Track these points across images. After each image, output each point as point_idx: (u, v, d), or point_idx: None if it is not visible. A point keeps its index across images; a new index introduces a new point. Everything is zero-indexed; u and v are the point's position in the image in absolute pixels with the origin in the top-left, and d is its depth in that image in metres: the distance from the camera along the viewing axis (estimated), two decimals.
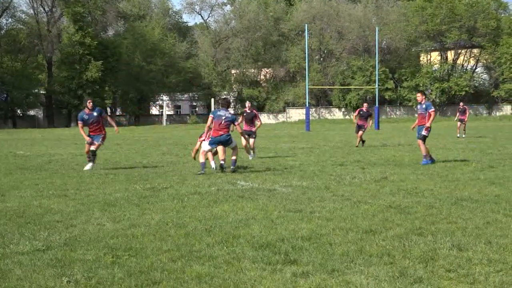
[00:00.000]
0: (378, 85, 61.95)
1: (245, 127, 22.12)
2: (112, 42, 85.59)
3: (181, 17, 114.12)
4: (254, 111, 23.04)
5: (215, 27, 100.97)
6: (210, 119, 17.28)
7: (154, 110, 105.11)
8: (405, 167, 17.53)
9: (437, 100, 79.89)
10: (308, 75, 59.02)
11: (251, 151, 21.87)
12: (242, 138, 19.37)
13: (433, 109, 19.45)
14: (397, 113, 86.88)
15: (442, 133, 41.69)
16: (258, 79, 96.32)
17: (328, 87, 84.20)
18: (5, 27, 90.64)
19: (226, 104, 17.97)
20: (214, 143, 17.00)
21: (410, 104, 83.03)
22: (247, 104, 23.45)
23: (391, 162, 19.37)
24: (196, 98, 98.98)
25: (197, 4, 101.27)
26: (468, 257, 7.10)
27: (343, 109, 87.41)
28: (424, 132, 19.21)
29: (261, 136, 39.91)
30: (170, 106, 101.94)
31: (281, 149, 26.90)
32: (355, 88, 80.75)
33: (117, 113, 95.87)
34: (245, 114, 22.74)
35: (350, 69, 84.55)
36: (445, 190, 12.52)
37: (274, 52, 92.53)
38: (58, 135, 49.61)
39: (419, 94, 19.96)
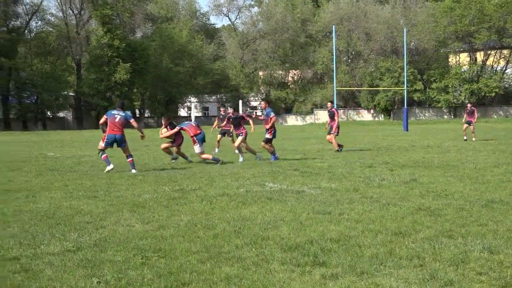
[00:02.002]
0: (407, 87, 61.57)
1: (236, 131, 22.59)
2: (140, 44, 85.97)
3: (209, 19, 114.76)
4: (241, 114, 23.24)
5: (242, 28, 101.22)
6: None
7: (182, 112, 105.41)
8: (435, 169, 17.39)
9: (466, 101, 79.35)
10: (335, 76, 58.76)
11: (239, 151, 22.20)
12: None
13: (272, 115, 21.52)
14: (426, 114, 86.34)
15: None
16: (286, 81, 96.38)
17: (356, 88, 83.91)
18: (34, 30, 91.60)
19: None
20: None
21: (439, 105, 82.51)
22: (230, 109, 23.93)
23: (420, 164, 19.23)
24: (224, 99, 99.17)
25: (225, 6, 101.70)
26: (500, 260, 7.03)
27: (371, 111, 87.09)
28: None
29: (289, 138, 39.87)
30: (198, 107, 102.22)
31: (309, 150, 26.83)
32: (383, 90, 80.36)
33: (146, 115, 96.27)
34: (231, 119, 22.91)
35: (378, 71, 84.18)
36: (475, 192, 12.40)
37: (302, 54, 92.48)
38: (87, 137, 49.91)
39: (263, 103, 22.23)
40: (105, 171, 17.94)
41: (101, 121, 18.80)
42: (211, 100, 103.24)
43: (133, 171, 17.99)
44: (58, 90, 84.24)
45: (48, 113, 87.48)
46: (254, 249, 7.62)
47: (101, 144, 18.52)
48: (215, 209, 10.73)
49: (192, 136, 20.77)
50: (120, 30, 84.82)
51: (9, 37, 78.34)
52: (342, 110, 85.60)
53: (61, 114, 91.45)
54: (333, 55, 59.93)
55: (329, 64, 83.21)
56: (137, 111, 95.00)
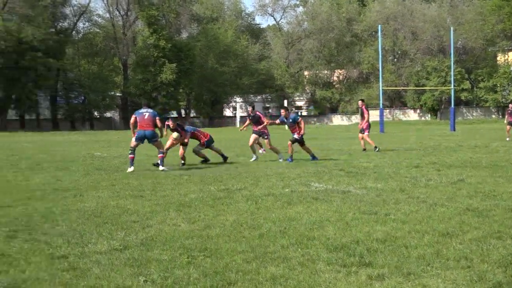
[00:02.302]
0: (454, 86, 60.91)
1: (254, 127, 22.71)
2: (186, 44, 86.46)
3: (254, 19, 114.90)
4: (258, 113, 23.01)
5: (287, 28, 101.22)
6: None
7: (228, 112, 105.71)
8: (482, 169, 17.18)
9: None
10: (381, 76, 58.43)
11: (257, 152, 22.62)
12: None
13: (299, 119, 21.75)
14: (474, 114, 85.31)
15: None
16: (331, 80, 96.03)
17: (402, 88, 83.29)
18: (82, 31, 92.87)
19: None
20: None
21: (487, 104, 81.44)
22: (249, 108, 23.80)
23: (468, 164, 19.01)
24: (269, 99, 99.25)
25: (270, 6, 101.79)
26: None
27: (418, 110, 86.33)
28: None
29: (334, 138, 39.74)
30: (243, 107, 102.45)
31: (355, 150, 26.70)
32: (430, 89, 79.60)
33: (191, 115, 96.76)
34: (250, 117, 23.08)
35: (425, 70, 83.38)
36: None
37: (347, 53, 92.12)
38: None
39: (282, 110, 22.41)
40: (126, 171, 18.14)
41: (132, 121, 18.99)
42: (256, 100, 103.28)
43: (161, 167, 18.31)
44: (105, 91, 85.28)
45: (95, 113, 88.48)
46: (299, 249, 7.60)
47: (133, 141, 18.74)
48: (261, 209, 10.74)
49: (204, 143, 21.13)
50: (166, 30, 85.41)
51: (57, 38, 79.38)
52: (388, 110, 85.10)
53: (108, 114, 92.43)
54: (379, 54, 59.58)
55: (375, 63, 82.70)
56: (182, 111, 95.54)
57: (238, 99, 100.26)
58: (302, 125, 21.66)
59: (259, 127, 22.25)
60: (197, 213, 10.36)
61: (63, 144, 39.96)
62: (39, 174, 17.82)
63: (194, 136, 21.32)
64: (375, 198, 11.79)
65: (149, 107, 19.31)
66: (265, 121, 22.45)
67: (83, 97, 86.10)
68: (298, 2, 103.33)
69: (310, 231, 8.66)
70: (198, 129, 22.18)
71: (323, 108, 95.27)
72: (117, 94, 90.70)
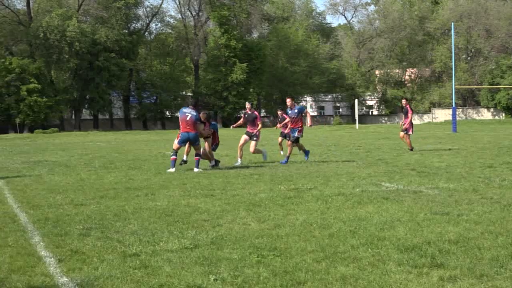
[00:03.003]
0: None
1: (248, 128, 21.47)
2: (256, 44, 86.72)
3: (325, 18, 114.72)
4: (255, 112, 21.69)
5: (358, 27, 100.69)
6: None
7: None
8: None
9: None
10: (454, 74, 57.54)
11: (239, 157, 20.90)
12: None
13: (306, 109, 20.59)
14: None
15: None
16: (403, 79, 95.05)
17: (475, 86, 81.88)
18: (154, 31, 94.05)
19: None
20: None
21: None
22: (247, 105, 22.13)
23: None
24: (340, 99, 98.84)
25: (341, 5, 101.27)
26: None
27: (492, 109, 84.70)
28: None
29: None
30: (313, 107, 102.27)
31: (426, 150, 26.38)
32: (504, 88, 77.99)
33: (261, 114, 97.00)
34: (246, 115, 21.64)
35: (499, 68, 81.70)
36: None
37: (419, 52, 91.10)
38: None
39: (288, 100, 20.97)
40: (166, 171, 18.23)
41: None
42: (326, 99, 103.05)
43: (195, 169, 18.18)
44: (176, 90, 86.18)
45: (167, 112, 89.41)
46: (370, 249, 7.55)
47: (176, 144, 18.77)
48: (331, 208, 10.70)
49: (217, 143, 20.45)
50: (237, 30, 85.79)
51: (130, 39, 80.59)
52: (461, 109, 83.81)
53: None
54: (451, 52, 58.73)
55: (447, 62, 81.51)
56: None
57: (308, 98, 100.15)
58: (309, 116, 20.93)
59: (254, 130, 21.09)
60: (267, 212, 10.38)
61: (135, 143, 40.57)
62: (112, 173, 18.12)
63: (212, 135, 20.18)
64: (447, 198, 11.62)
65: (195, 107, 19.21)
66: (260, 124, 21.19)
67: (155, 97, 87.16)
68: (369, 1, 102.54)
69: (380, 231, 8.59)
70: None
71: (394, 107, 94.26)
72: (188, 94, 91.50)
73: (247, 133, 21.25)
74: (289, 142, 20.66)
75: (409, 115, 25.88)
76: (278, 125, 22.68)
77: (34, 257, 7.50)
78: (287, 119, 21.27)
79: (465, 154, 23.70)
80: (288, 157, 20.65)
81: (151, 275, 6.69)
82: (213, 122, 20.36)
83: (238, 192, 13.15)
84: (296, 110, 20.56)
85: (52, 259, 7.41)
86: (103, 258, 7.40)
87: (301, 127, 20.62)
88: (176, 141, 18.88)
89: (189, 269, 6.84)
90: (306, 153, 21.27)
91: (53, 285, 6.44)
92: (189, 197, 12.51)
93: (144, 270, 6.86)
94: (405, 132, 25.79)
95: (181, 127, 18.71)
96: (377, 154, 24.19)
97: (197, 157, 18.58)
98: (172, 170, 18.26)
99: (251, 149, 21.20)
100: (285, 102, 21.67)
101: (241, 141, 21.09)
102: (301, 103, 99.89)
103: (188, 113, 18.69)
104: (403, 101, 27.65)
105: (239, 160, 20.82)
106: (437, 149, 26.86)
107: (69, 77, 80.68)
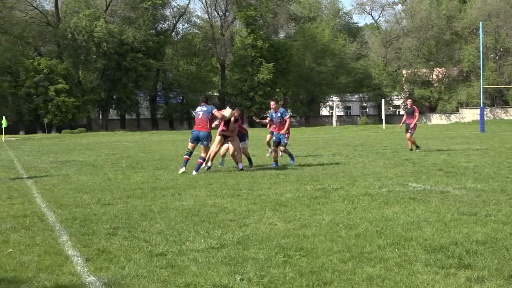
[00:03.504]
0: None
1: (271, 128, 21.15)
2: (283, 44, 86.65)
3: (351, 18, 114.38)
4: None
5: (385, 27, 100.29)
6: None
7: (324, 111, 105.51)
8: None
9: None
10: (482, 74, 57.10)
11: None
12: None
13: (287, 116, 19.97)
14: None
15: None
16: (430, 79, 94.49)
17: (504, 86, 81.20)
18: (181, 32, 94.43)
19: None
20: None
21: None
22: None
23: None
24: (366, 98, 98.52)
25: (368, 5, 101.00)
26: None
27: None
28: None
29: (433, 137, 39.06)
30: (340, 107, 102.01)
31: (454, 150, 26.22)
32: None
33: (288, 114, 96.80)
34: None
35: None
36: None
37: (447, 51, 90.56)
38: None
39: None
40: (178, 172, 17.99)
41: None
42: (353, 99, 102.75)
43: (194, 172, 17.50)
44: (203, 91, 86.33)
45: (193, 113, 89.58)
46: (396, 250, 7.52)
47: (189, 143, 18.50)
48: (357, 208, 10.67)
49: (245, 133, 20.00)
50: (264, 30, 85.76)
51: (157, 39, 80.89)
52: (488, 109, 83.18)
53: None
54: (479, 52, 58.30)
55: (475, 61, 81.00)
56: None
57: (335, 98, 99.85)
58: (287, 124, 19.73)
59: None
60: (293, 213, 10.37)
61: (161, 143, 40.73)
62: (139, 173, 18.21)
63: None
64: (474, 198, 11.54)
65: (206, 102, 18.65)
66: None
67: (181, 97, 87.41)
68: (397, 0, 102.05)
69: (407, 232, 8.55)
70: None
71: (421, 107, 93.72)
72: (215, 94, 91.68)
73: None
74: (283, 148, 20.07)
75: (417, 114, 25.83)
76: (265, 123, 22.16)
77: (62, 256, 7.56)
78: (267, 121, 21.42)
79: (493, 154, 23.53)
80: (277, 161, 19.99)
81: (178, 274, 6.71)
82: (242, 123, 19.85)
83: (264, 192, 13.16)
84: (279, 114, 19.92)
85: (79, 258, 7.46)
86: (130, 258, 7.44)
87: (288, 133, 19.93)
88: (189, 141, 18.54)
89: (215, 269, 6.85)
90: (291, 157, 20.64)
91: (80, 284, 6.48)
92: (215, 197, 12.53)
93: (170, 270, 6.89)
94: (410, 132, 25.51)
95: (194, 126, 18.51)
96: (404, 154, 24.08)
97: (200, 160, 17.91)
98: (182, 170, 17.93)
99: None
100: (313, 102, 21.61)
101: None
102: (327, 103, 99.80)
103: (199, 111, 18.35)
104: (408, 101, 27.60)
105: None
106: (464, 149, 26.69)
107: (97, 77, 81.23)
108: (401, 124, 26.94)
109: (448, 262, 6.91)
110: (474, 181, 14.35)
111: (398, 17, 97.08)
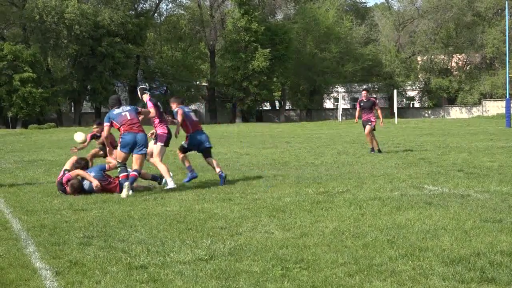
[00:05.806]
0: None
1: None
2: (281, 27, 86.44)
3: None
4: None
5: (398, 7, 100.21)
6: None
7: (328, 104, 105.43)
8: None
9: None
10: (508, 61, 57.13)
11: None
12: None
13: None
14: None
15: None
16: (449, 67, 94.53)
17: None
18: (165, 13, 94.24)
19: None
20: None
21: None
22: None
23: None
24: (376, 89, 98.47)
25: None
26: None
27: None
28: None
29: (452, 133, 39.08)
30: (346, 98, 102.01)
31: (476, 148, 26.27)
32: None
33: (286, 107, 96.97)
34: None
35: None
36: None
37: (468, 35, 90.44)
38: (221, 132, 50.79)
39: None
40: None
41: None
42: (361, 89, 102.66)
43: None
44: (190, 80, 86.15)
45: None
46: (410, 262, 7.55)
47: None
48: (366, 215, 10.69)
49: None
50: (259, 11, 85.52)
51: (137, 22, 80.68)
52: None
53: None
54: (505, 36, 58.41)
55: (500, 46, 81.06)
56: (276, 103, 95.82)
57: (340, 89, 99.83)
58: (179, 116, 18.38)
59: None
60: (293, 219, 10.39)
61: None
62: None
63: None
64: (499, 203, 11.58)
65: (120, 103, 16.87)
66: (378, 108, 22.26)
67: (165, 87, 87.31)
68: None
69: (422, 241, 8.58)
70: None
71: (438, 99, 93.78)
72: (203, 84, 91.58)
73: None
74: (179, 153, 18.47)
75: (378, 108, 24.81)
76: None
77: (28, 269, 7.57)
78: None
79: None
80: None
81: None
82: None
83: (259, 196, 13.18)
84: (174, 112, 18.81)
85: (48, 271, 7.47)
86: (106, 271, 7.45)
87: (187, 136, 18.63)
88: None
89: (203, 283, 6.88)
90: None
91: None
92: (203, 201, 12.55)
93: (152, 284, 6.91)
94: (373, 128, 24.68)
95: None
96: (419, 152, 24.12)
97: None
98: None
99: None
100: (315, 93, 22.00)
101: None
102: (331, 94, 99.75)
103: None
104: (364, 93, 25.07)
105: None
106: (487, 147, 26.74)
107: (68, 65, 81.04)
108: (356, 120, 25.95)
109: (469, 276, 6.94)
110: (498, 184, 14.39)
111: None
